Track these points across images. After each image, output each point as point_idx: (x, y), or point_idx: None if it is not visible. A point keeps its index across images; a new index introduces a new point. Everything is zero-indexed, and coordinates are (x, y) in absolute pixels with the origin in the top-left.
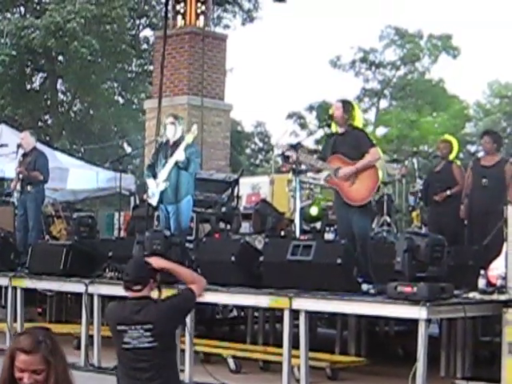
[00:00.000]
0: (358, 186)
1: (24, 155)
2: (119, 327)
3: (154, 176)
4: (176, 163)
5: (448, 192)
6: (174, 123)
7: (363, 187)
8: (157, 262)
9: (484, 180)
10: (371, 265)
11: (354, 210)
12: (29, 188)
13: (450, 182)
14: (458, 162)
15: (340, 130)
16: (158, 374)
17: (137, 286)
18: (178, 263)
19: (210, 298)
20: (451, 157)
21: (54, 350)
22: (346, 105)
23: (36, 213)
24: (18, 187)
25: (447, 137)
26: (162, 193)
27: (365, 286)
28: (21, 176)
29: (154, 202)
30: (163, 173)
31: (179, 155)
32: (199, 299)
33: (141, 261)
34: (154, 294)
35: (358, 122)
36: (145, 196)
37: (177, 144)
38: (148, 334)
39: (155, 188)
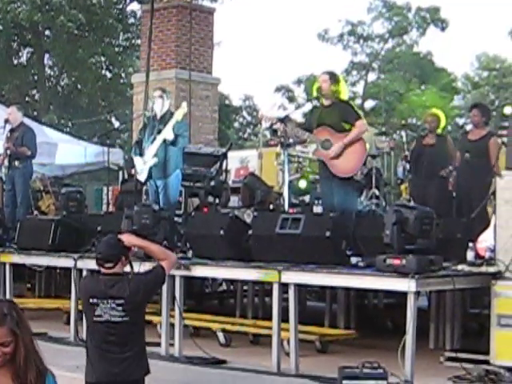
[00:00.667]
0: (345, 159)
1: (11, 130)
2: (92, 300)
3: (141, 153)
4: (164, 140)
5: (451, 167)
6: (162, 96)
7: (350, 159)
8: (128, 239)
9: (467, 154)
10: (357, 237)
11: (337, 181)
12: (16, 163)
13: (444, 156)
14: (448, 137)
15: (326, 102)
16: (128, 348)
17: (108, 264)
18: (150, 240)
19: (199, 271)
20: (439, 130)
21: (20, 321)
22: (333, 77)
23: (24, 188)
24: (6, 163)
25: (434, 110)
26: (151, 168)
27: (354, 259)
28: (8, 152)
29: (142, 178)
30: (151, 149)
31: (168, 134)
32: (183, 272)
33: (112, 239)
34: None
35: (344, 95)
36: (133, 171)
37: (165, 119)
38: (120, 308)
39: (142, 165)
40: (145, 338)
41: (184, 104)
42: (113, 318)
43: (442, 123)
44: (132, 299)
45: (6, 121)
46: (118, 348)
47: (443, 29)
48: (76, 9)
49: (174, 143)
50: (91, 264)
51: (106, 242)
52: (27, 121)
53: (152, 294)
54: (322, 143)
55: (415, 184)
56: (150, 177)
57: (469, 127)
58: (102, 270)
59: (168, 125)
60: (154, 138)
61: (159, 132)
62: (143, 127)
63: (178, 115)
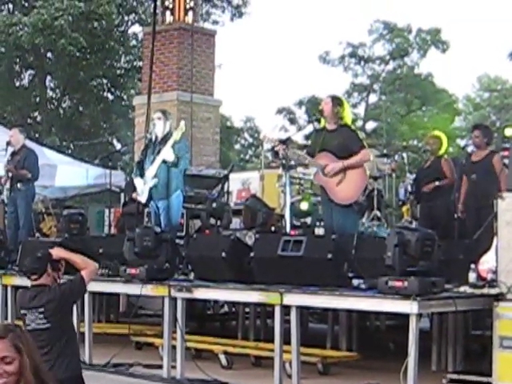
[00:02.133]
0: (345, 186)
1: (13, 153)
2: (21, 311)
3: (142, 174)
4: (164, 161)
5: (437, 183)
6: (161, 118)
7: (350, 187)
8: (56, 252)
9: (473, 176)
10: (356, 260)
11: (336, 207)
12: (19, 185)
13: (438, 176)
14: (446, 157)
15: (329, 127)
16: (56, 355)
17: (33, 276)
18: (79, 253)
19: (200, 293)
20: (441, 152)
21: (26, 341)
22: (336, 100)
23: (26, 210)
24: (8, 185)
25: (436, 133)
26: (151, 189)
27: (355, 281)
28: (10, 174)
29: (143, 199)
30: (151, 170)
31: (167, 155)
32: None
33: (39, 253)
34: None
35: (347, 119)
36: (134, 194)
37: (165, 140)
38: (41, 316)
39: (143, 186)
40: (72, 343)
41: (182, 123)
42: (37, 325)
43: (444, 145)
44: (50, 306)
45: (8, 143)
46: (44, 354)
47: (444, 50)
48: (78, 32)
49: (175, 165)
50: (93, 286)
51: (32, 255)
52: (28, 142)
53: (69, 301)
54: (322, 169)
55: (419, 206)
56: (150, 198)
57: (470, 148)
58: (30, 282)
59: (167, 145)
60: (154, 159)
61: (159, 152)
62: (145, 148)
63: (177, 135)
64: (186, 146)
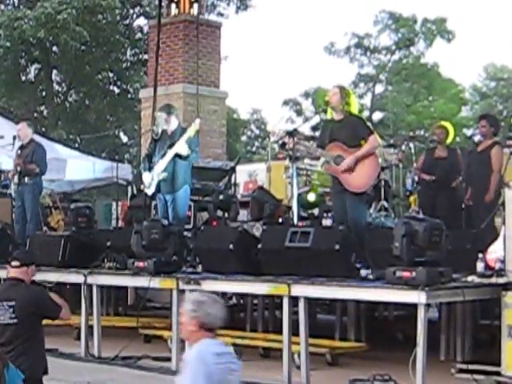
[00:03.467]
0: (358, 174)
1: (21, 147)
2: None
3: (150, 168)
4: (176, 155)
5: (460, 178)
6: (167, 119)
7: (363, 174)
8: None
9: (474, 166)
10: (367, 250)
11: (349, 196)
12: (26, 180)
13: (456, 168)
14: (459, 150)
15: (337, 117)
16: (17, 354)
17: (15, 262)
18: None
19: (208, 286)
20: (448, 141)
21: None
22: (343, 90)
23: (34, 204)
24: (16, 179)
25: (443, 122)
26: (160, 182)
27: (363, 272)
28: (19, 168)
29: (150, 192)
30: (161, 163)
31: (182, 149)
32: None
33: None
34: None
35: (354, 109)
36: (142, 186)
37: (175, 134)
38: (11, 310)
39: (151, 180)
40: (37, 345)
41: (197, 121)
42: (5, 320)
43: (451, 135)
44: (20, 303)
45: (16, 137)
46: (10, 348)
47: (449, 40)
48: (82, 25)
49: (185, 158)
50: (101, 279)
51: (29, 250)
52: (37, 137)
53: (39, 312)
54: (334, 159)
55: (426, 195)
56: (158, 191)
57: (477, 138)
58: (7, 274)
59: (180, 140)
60: (165, 153)
61: (170, 147)
62: (152, 142)
63: (191, 131)
64: (196, 140)
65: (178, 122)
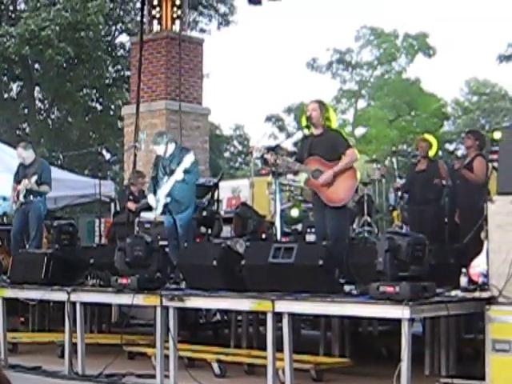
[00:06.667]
0: (336, 188)
1: (23, 166)
2: None
3: (155, 190)
4: (177, 181)
5: (443, 181)
6: (166, 149)
7: (341, 188)
8: None
9: (458, 181)
10: (351, 266)
11: (329, 210)
12: (32, 197)
13: (436, 178)
14: (441, 161)
15: (316, 132)
16: None
17: None
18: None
19: (192, 303)
20: (431, 154)
21: None
22: (322, 105)
23: (38, 223)
24: (22, 198)
25: (426, 136)
26: (166, 204)
27: (347, 287)
28: (26, 187)
29: (157, 213)
30: (164, 189)
31: (178, 176)
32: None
33: None
34: None
35: (333, 123)
36: (129, 203)
37: (174, 156)
38: None
39: (156, 203)
40: None
41: (192, 155)
42: None
43: (434, 148)
44: None
45: (21, 164)
46: None
47: (430, 56)
48: (65, 42)
49: (183, 181)
50: (85, 297)
51: None
52: None
53: None
54: (312, 173)
55: (411, 211)
56: (164, 213)
57: (460, 152)
58: None
59: (178, 168)
60: (167, 178)
61: (171, 173)
62: (155, 164)
63: (187, 162)
64: (195, 161)
65: (173, 146)
